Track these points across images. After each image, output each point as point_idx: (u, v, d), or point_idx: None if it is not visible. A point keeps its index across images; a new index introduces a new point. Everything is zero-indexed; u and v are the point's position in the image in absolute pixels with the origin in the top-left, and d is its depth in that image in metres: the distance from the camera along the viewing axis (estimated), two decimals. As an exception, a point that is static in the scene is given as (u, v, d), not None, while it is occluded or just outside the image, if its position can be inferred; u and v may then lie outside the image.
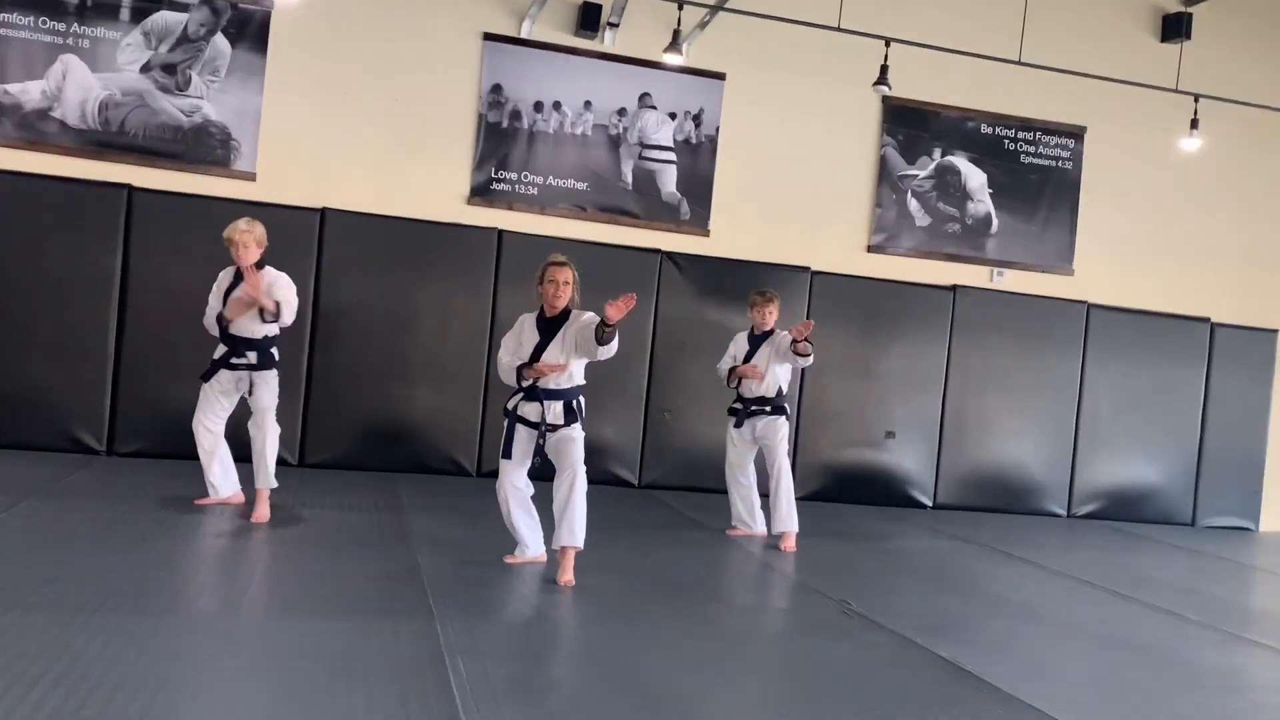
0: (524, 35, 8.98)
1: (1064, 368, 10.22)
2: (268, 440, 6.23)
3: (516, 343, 5.69)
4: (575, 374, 5.65)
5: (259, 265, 6.24)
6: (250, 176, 8.51)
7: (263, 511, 6.18)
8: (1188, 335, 10.55)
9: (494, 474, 5.83)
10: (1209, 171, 10.61)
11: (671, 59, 8.04)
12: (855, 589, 6.03)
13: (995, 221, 10.16)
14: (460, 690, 3.66)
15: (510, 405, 5.68)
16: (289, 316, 6.21)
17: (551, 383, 5.58)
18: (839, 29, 8.28)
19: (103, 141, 8.23)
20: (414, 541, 6.08)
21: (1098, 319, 10.30)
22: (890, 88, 8.08)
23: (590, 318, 5.51)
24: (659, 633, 4.71)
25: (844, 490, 9.65)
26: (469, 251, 8.83)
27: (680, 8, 7.45)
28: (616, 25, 9.03)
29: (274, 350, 6.34)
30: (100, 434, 8.16)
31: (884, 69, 7.88)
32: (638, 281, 9.14)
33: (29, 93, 8.10)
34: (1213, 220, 10.72)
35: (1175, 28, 10.38)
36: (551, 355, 5.56)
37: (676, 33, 7.68)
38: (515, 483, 5.68)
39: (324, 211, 8.58)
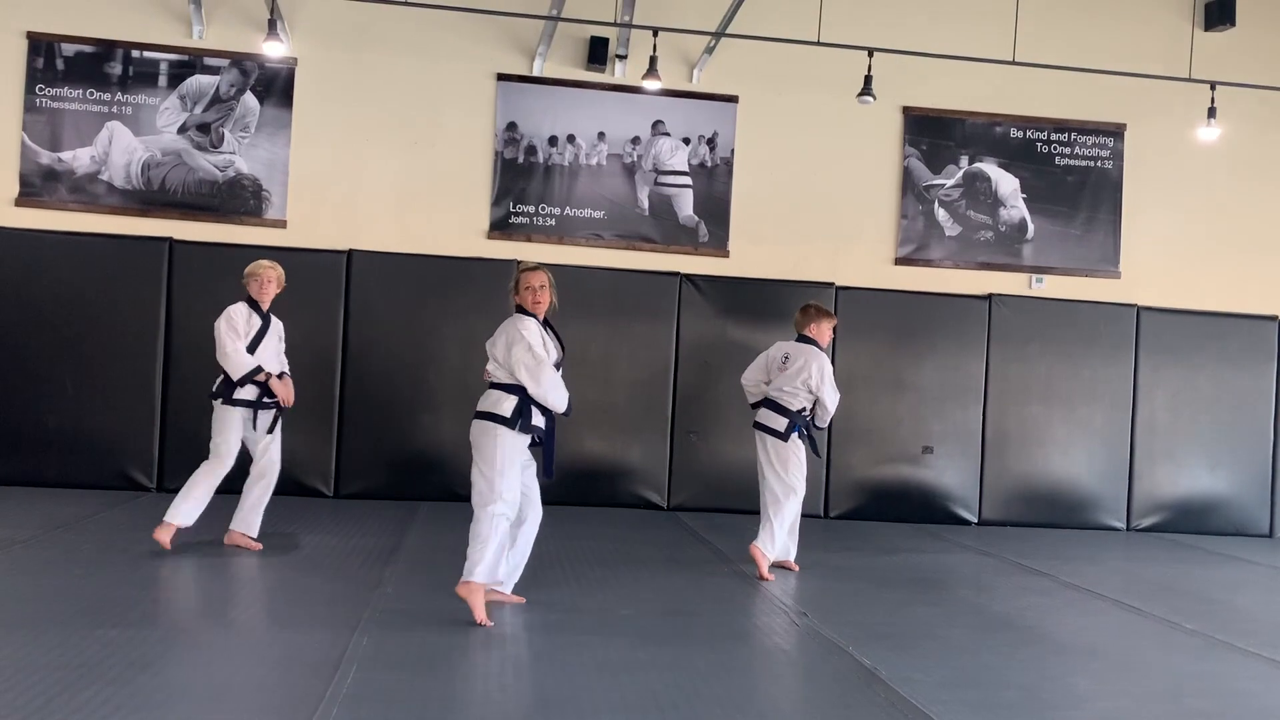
0: (535, 73, 9.28)
1: (1114, 374, 9.81)
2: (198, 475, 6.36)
3: (544, 347, 5.25)
4: None
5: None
6: (281, 224, 9.03)
7: (162, 537, 6.16)
8: (1253, 334, 10.00)
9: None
10: (1266, 160, 10.09)
11: (650, 84, 8.19)
12: (827, 602, 5.97)
13: (1031, 227, 9.87)
14: (331, 696, 3.82)
15: (512, 413, 5.16)
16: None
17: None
18: (847, 46, 8.26)
19: (146, 199, 8.88)
20: (394, 564, 6.31)
21: (1150, 322, 9.87)
22: (875, 98, 8.01)
23: None
24: (583, 643, 4.77)
25: (880, 508, 9.48)
26: (490, 284, 9.03)
27: (655, 34, 7.60)
28: (624, 57, 9.23)
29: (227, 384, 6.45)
30: (150, 471, 8.73)
31: (868, 79, 7.82)
32: (658, 305, 9.32)
33: (79, 159, 8.82)
34: (1274, 211, 10.16)
35: (1219, 14, 9.94)
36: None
37: (653, 59, 7.84)
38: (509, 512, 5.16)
39: (350, 253, 9.02)
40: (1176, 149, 9.95)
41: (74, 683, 3.78)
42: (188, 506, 6.24)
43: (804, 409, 6.69)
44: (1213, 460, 9.90)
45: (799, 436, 6.66)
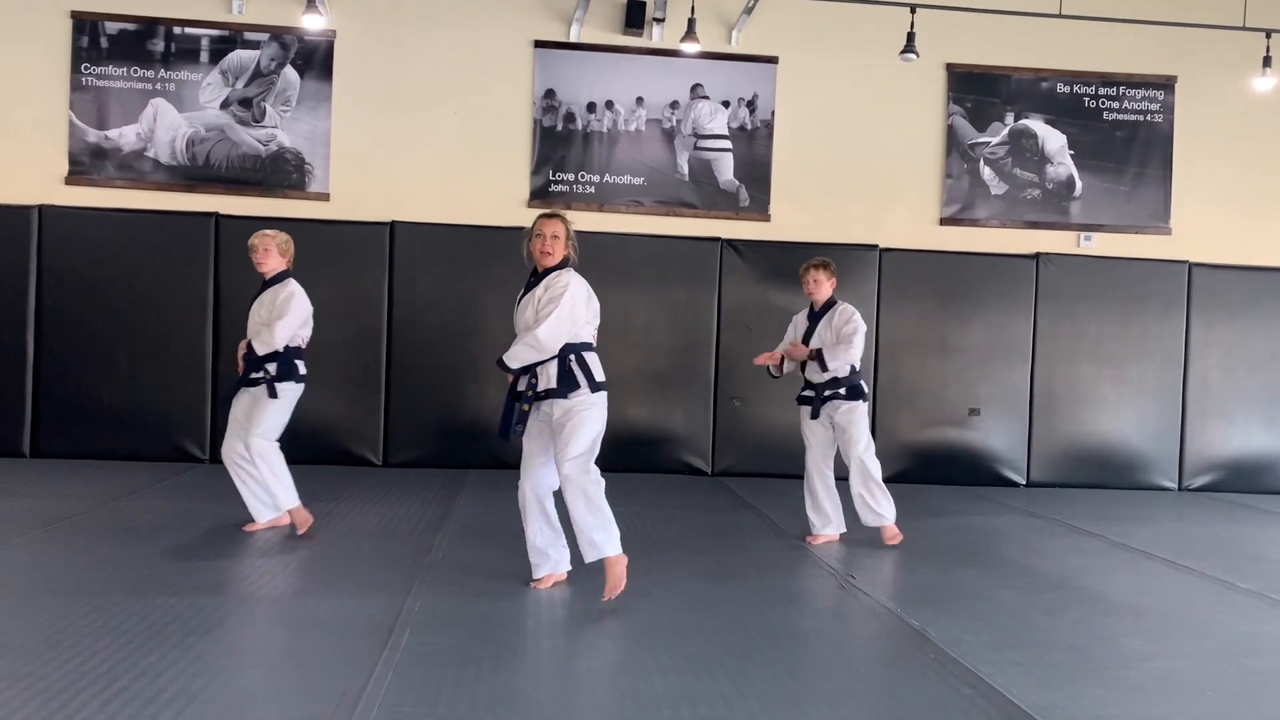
0: (572, 39, 9.24)
1: (1165, 333, 9.66)
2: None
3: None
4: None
5: (282, 276, 6.52)
6: (324, 197, 9.10)
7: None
8: (1310, 290, 9.78)
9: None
10: (1323, 111, 9.83)
11: (688, 47, 8.12)
12: (874, 565, 5.97)
13: (1079, 184, 9.70)
14: (386, 660, 3.89)
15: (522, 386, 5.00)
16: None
17: None
18: (888, 2, 8.15)
19: (191, 175, 8.99)
20: (444, 531, 6.40)
21: (1202, 279, 9.69)
22: (918, 55, 7.88)
23: (552, 299, 4.93)
24: (632, 607, 4.80)
25: (927, 471, 9.42)
26: (532, 253, 9.12)
27: (694, -4, 7.54)
28: (662, 20, 9.16)
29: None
30: (203, 443, 8.89)
31: (910, 36, 7.70)
32: (699, 271, 9.30)
33: (125, 136, 8.93)
34: (1332, 163, 9.92)
35: (1275, -40, 9.64)
36: (527, 312, 5.01)
37: (691, 21, 7.78)
38: (537, 489, 5.03)
39: (393, 224, 9.07)
40: (1230, 101, 9.72)
41: (138, 648, 3.88)
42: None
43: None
44: (1267, 418, 9.74)
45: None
